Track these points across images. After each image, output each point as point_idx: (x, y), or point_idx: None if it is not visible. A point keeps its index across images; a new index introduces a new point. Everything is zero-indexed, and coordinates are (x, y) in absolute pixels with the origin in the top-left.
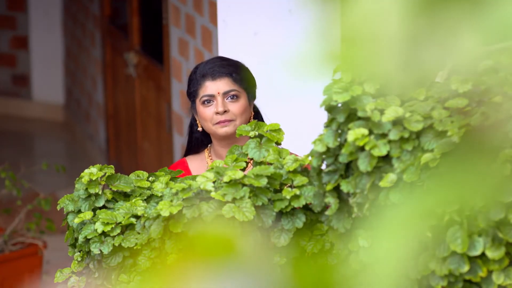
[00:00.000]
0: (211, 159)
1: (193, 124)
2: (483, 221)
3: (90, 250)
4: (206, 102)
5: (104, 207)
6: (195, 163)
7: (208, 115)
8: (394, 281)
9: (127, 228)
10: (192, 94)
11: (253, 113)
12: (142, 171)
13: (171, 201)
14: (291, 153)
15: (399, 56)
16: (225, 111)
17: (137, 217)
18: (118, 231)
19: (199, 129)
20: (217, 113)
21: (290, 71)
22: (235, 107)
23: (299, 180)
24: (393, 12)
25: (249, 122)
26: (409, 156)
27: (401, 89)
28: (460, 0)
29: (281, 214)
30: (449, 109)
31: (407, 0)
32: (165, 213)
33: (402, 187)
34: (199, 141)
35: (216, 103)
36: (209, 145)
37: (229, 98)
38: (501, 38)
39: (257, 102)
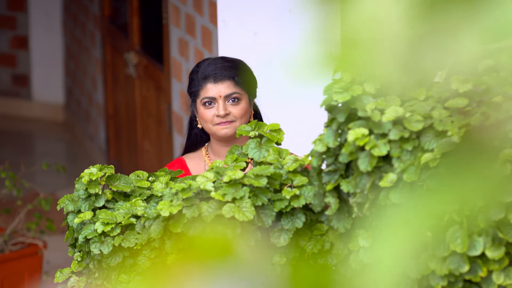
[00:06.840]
0: (208, 157)
1: (192, 119)
2: (483, 221)
3: (90, 250)
4: (207, 104)
5: (104, 207)
6: (193, 161)
7: (209, 117)
8: (394, 281)
9: (127, 228)
10: (193, 93)
11: (253, 112)
12: (142, 171)
13: (171, 201)
14: (291, 153)
15: (399, 56)
16: (226, 114)
17: (137, 217)
18: (118, 231)
19: (199, 126)
20: (218, 116)
21: (290, 71)
22: (236, 110)
23: (299, 180)
24: (392, 13)
25: (249, 122)
26: (409, 156)
27: (401, 89)
28: (460, 0)
29: (281, 214)
30: (449, 109)
31: (407, 1)
32: (165, 213)
33: (402, 187)
34: (198, 137)
35: (218, 106)
36: (206, 144)
37: (230, 100)
38: (501, 37)
39: (257, 102)
